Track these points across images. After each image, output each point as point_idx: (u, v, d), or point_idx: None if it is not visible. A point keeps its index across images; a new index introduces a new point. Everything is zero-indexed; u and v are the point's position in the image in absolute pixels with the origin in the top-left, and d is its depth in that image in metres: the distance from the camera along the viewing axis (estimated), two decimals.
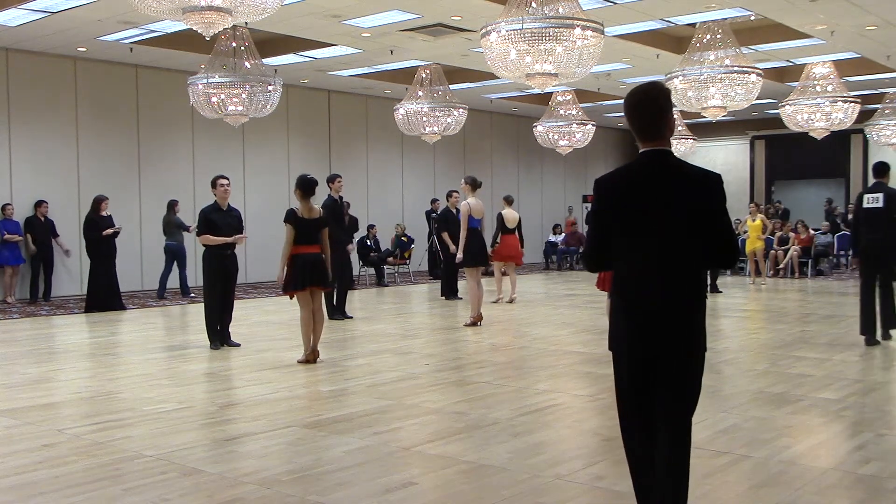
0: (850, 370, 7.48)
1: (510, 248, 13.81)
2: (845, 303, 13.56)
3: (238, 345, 9.20)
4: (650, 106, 3.31)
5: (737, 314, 12.38)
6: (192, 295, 14.55)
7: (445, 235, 13.35)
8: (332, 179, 11.56)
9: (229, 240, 9.02)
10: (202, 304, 9.54)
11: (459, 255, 11.17)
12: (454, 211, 13.58)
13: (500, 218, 14.03)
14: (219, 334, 9.16)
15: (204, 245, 9.09)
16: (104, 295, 13.00)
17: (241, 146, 17.77)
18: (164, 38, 14.10)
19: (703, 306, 3.31)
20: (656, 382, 3.28)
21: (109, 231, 13.09)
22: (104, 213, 13.19)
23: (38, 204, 14.41)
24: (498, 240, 14.15)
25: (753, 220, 17.03)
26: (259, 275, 17.14)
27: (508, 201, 14.36)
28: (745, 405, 6.13)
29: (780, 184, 26.71)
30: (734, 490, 4.19)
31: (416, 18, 12.88)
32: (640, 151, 3.35)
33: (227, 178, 9.32)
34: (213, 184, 9.23)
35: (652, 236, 3.24)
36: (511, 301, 13.79)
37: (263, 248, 16.27)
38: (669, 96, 3.37)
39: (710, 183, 3.27)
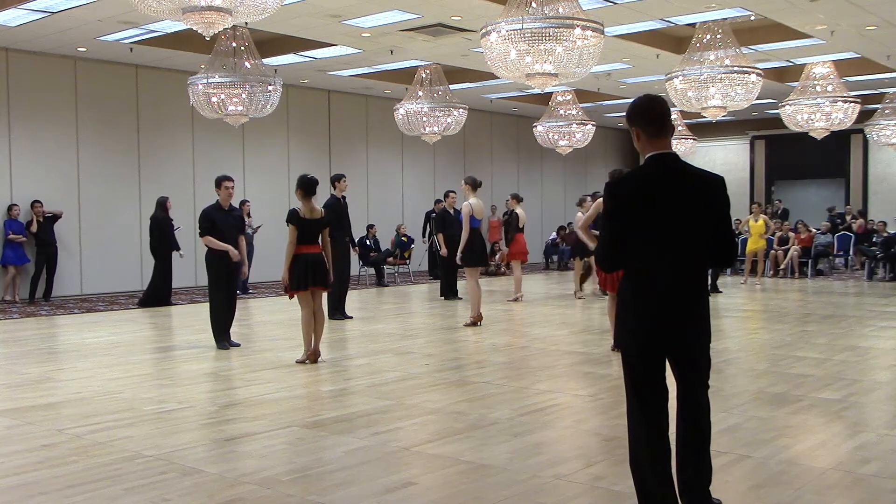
0: (850, 370, 7.48)
1: (523, 245, 14.05)
2: (845, 303, 13.57)
3: (238, 344, 9.20)
4: (662, 106, 3.65)
5: (737, 314, 12.37)
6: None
7: (440, 237, 13.38)
8: (338, 179, 11.57)
9: (229, 249, 8.97)
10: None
11: (459, 255, 11.18)
12: (451, 211, 13.61)
13: (516, 217, 14.13)
14: (223, 334, 9.16)
15: (207, 246, 9.06)
16: (164, 291, 13.75)
17: (241, 146, 17.77)
18: (164, 38, 14.10)
19: (708, 300, 3.69)
20: (672, 363, 3.60)
21: (177, 228, 13.91)
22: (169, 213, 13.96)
23: (33, 205, 14.39)
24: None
25: (756, 221, 17.02)
26: (259, 275, 17.10)
27: (518, 200, 14.45)
28: (745, 405, 6.13)
29: (780, 184, 26.71)
30: (734, 490, 4.19)
31: (416, 18, 12.87)
32: (649, 156, 3.61)
33: (233, 180, 9.33)
34: (218, 184, 9.18)
35: (664, 236, 3.51)
36: (516, 300, 13.82)
37: (263, 247, 16.26)
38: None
39: (716, 186, 3.61)
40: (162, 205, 13.89)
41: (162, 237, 13.72)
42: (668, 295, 3.52)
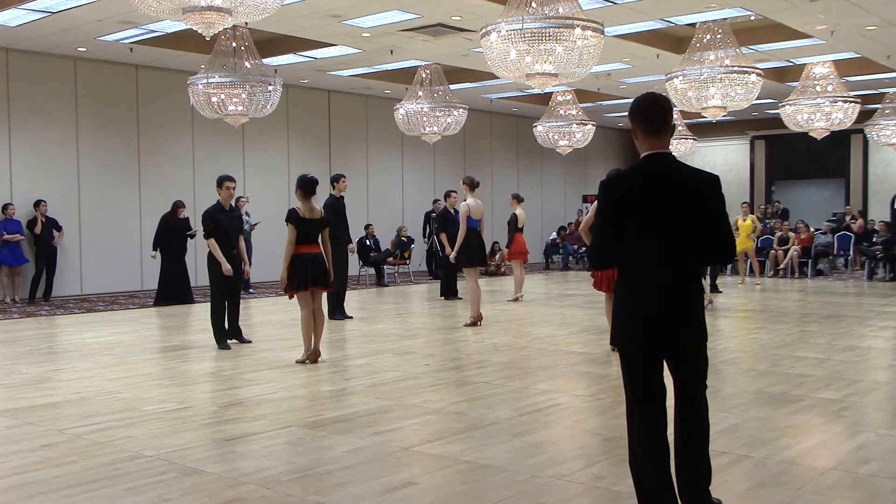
0: (850, 370, 7.48)
1: (522, 245, 14.08)
2: (845, 303, 13.56)
3: (250, 342, 9.29)
4: (662, 104, 3.63)
5: (737, 314, 12.37)
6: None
7: (443, 236, 13.36)
8: (336, 179, 11.57)
9: (224, 264, 8.96)
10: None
11: (453, 256, 11.19)
12: (452, 211, 13.60)
13: (515, 218, 14.15)
14: (228, 333, 9.21)
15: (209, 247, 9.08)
16: (172, 289, 13.97)
17: (241, 146, 17.77)
18: (164, 38, 14.10)
19: (702, 298, 3.67)
20: (669, 364, 3.60)
21: (191, 232, 14.20)
22: (181, 217, 14.20)
23: (37, 204, 14.41)
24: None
25: (744, 220, 17.08)
26: (259, 275, 17.12)
27: (519, 200, 14.46)
28: (745, 405, 6.12)
29: (780, 184, 26.71)
30: (734, 490, 4.18)
31: (416, 18, 12.88)
32: (645, 154, 3.60)
33: (235, 180, 9.38)
34: (220, 184, 9.22)
35: (659, 235, 3.49)
36: (516, 300, 13.82)
37: (263, 247, 16.26)
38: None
39: (711, 184, 3.59)
40: (175, 208, 14.21)
41: (166, 238, 14.05)
42: (665, 295, 3.51)
